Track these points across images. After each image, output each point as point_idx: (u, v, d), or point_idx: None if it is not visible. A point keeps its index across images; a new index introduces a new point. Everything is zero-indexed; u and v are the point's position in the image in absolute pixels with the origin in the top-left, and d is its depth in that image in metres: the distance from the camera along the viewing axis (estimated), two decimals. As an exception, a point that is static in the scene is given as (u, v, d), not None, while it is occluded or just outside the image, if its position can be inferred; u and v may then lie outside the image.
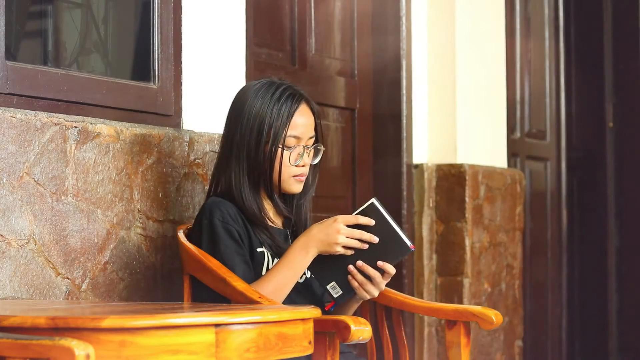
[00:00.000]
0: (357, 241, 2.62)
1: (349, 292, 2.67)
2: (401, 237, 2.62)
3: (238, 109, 2.76)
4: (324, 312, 2.80)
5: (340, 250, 2.62)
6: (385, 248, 2.63)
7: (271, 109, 2.72)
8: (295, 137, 2.74)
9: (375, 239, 2.62)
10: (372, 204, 2.63)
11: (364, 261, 2.63)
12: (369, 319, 2.90)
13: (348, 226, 2.62)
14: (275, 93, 2.73)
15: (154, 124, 3.05)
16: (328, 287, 2.67)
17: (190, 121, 3.18)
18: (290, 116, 2.72)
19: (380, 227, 2.62)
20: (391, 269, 2.64)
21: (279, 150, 2.72)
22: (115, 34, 3.27)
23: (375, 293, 2.67)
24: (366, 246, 2.62)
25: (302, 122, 2.75)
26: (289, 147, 2.73)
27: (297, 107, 2.74)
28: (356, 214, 2.63)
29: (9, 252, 2.56)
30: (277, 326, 2.06)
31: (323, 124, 2.87)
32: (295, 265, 2.63)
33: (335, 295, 2.67)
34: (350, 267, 2.64)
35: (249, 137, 2.72)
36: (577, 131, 6.04)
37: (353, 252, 2.63)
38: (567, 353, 5.90)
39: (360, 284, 2.65)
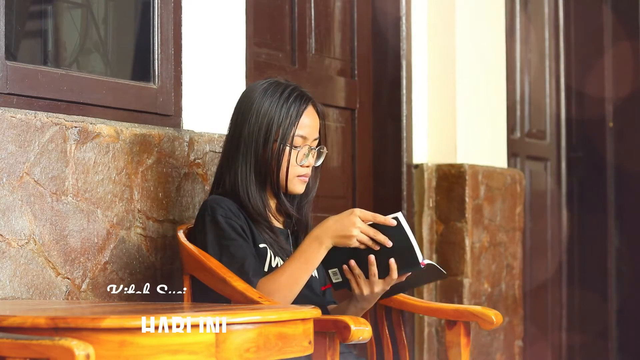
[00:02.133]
0: (371, 240, 2.60)
1: (347, 283, 2.66)
2: (414, 251, 2.59)
3: (245, 107, 2.77)
4: (321, 294, 2.82)
5: (354, 244, 2.59)
6: (397, 256, 2.62)
7: (280, 107, 2.73)
8: (302, 136, 2.76)
9: (389, 243, 2.59)
10: (397, 215, 2.61)
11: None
12: (369, 319, 2.90)
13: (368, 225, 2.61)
14: (284, 93, 2.75)
15: (154, 124, 3.05)
16: (330, 271, 2.66)
17: (190, 121, 3.18)
18: (299, 115, 2.74)
19: (397, 236, 2.60)
20: (395, 274, 2.60)
21: (287, 148, 2.73)
22: (115, 34, 3.27)
23: (365, 290, 2.62)
24: (377, 247, 2.60)
25: (308, 122, 2.77)
26: (296, 147, 2.75)
27: (305, 108, 2.76)
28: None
29: (9, 252, 2.56)
30: (277, 326, 2.06)
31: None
32: (309, 257, 2.60)
33: (334, 281, 2.66)
34: (352, 262, 2.63)
35: (257, 134, 2.73)
36: (577, 131, 6.04)
37: (365, 248, 2.62)
38: (567, 353, 5.90)
39: (355, 276, 2.63)
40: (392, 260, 2.58)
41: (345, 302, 2.79)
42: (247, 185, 2.73)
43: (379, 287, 2.62)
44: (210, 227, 2.68)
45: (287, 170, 2.74)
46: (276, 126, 2.73)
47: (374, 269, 2.59)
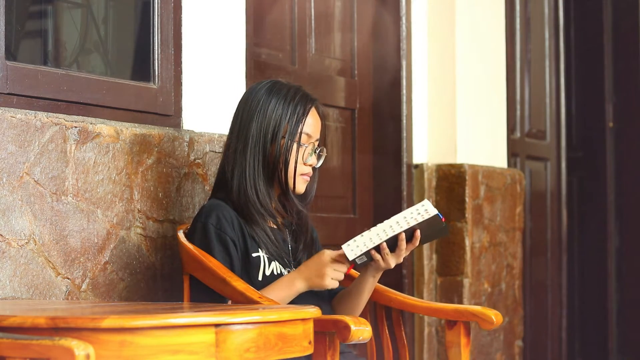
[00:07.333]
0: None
1: (370, 259, 2.70)
2: (440, 220, 2.67)
3: (251, 106, 2.80)
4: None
5: (330, 283, 2.66)
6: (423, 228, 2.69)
7: (287, 105, 2.78)
8: (307, 134, 2.80)
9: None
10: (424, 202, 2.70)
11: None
12: (369, 319, 2.90)
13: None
14: (290, 92, 2.80)
15: (154, 124, 3.05)
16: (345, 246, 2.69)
17: (190, 121, 3.18)
18: (305, 113, 2.79)
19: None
20: (417, 242, 2.68)
21: (294, 145, 2.76)
22: (115, 34, 3.27)
23: (392, 263, 2.70)
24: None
25: (313, 122, 2.82)
26: (302, 144, 2.79)
27: (311, 107, 2.81)
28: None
29: (9, 252, 2.57)
30: (277, 326, 2.06)
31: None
32: (281, 297, 2.67)
33: (358, 262, 2.69)
34: (383, 244, 2.67)
35: (265, 131, 2.77)
36: (577, 131, 6.04)
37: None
38: (567, 353, 5.90)
39: (383, 254, 2.68)
40: (417, 232, 2.67)
41: (358, 279, 2.82)
42: (255, 180, 2.76)
43: (404, 255, 2.71)
44: (198, 234, 2.73)
45: (295, 167, 2.77)
46: (284, 123, 2.77)
47: (403, 245, 2.67)
